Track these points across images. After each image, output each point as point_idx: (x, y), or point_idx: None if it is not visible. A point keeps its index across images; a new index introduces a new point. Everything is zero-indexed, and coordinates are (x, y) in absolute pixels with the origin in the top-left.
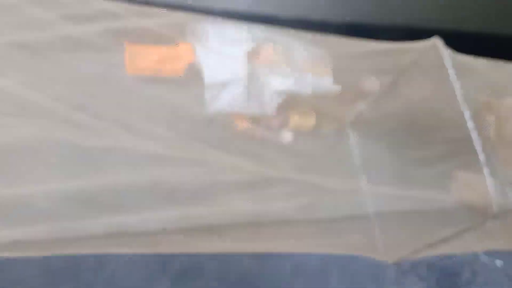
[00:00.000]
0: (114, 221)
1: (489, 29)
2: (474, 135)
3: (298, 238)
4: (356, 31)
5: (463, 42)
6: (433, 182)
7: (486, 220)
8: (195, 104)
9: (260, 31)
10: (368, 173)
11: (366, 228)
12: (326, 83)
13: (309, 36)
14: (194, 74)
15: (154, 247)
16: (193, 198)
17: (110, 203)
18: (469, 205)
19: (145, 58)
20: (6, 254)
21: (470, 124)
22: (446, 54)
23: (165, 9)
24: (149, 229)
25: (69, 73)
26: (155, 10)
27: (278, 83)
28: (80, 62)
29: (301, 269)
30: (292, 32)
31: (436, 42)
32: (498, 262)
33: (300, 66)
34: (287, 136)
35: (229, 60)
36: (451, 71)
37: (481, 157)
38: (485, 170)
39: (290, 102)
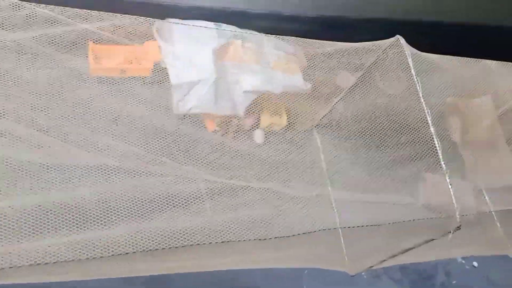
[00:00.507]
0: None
1: (471, 19)
2: (436, 140)
3: (260, 252)
4: (329, 26)
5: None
6: (401, 186)
7: (448, 233)
8: (163, 105)
9: (228, 28)
10: (334, 179)
11: (332, 239)
12: (297, 81)
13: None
14: (161, 74)
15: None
16: (148, 212)
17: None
18: (436, 209)
19: (110, 59)
20: None
21: (431, 129)
22: (408, 52)
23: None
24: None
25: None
26: (95, 13)
27: (248, 82)
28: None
29: (274, 272)
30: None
31: (399, 39)
32: (475, 263)
33: (270, 64)
34: (258, 137)
35: (196, 59)
36: (413, 70)
37: (443, 164)
38: (447, 179)
39: (261, 102)
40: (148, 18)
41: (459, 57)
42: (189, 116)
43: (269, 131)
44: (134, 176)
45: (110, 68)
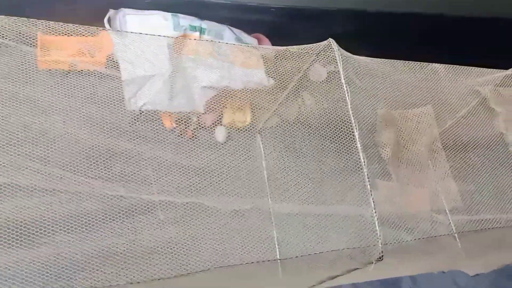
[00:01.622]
0: None
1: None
2: (362, 156)
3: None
4: (295, 16)
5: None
6: (351, 196)
7: (371, 263)
8: (117, 102)
9: (185, 19)
10: (274, 189)
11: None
12: (258, 76)
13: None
14: (116, 68)
15: None
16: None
17: None
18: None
19: (61, 50)
20: None
21: (358, 144)
22: (339, 57)
23: None
24: None
25: None
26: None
27: (206, 77)
28: None
29: None
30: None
31: (331, 43)
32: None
33: (229, 57)
34: (220, 134)
35: (149, 52)
36: (342, 79)
37: (367, 183)
38: (371, 200)
39: (223, 97)
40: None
41: (403, 61)
42: (145, 112)
43: (233, 128)
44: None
45: (59, 60)
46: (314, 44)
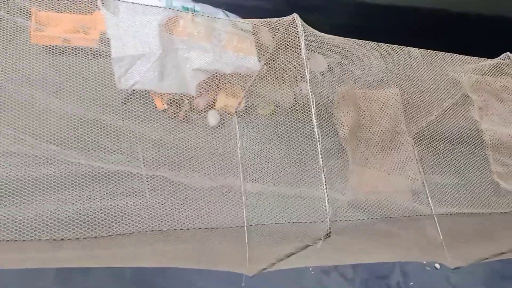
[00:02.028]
0: None
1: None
2: (317, 133)
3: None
4: (295, 4)
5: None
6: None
7: (320, 240)
8: (109, 80)
9: (178, 0)
10: (247, 168)
11: (237, 240)
12: (249, 62)
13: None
14: (108, 45)
15: None
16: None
17: None
18: (362, 206)
19: (55, 27)
20: None
21: (314, 120)
22: (302, 33)
23: None
24: None
25: None
26: None
27: (198, 59)
28: None
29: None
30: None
31: (295, 18)
32: (437, 265)
33: (221, 42)
34: (212, 118)
35: (140, 31)
36: (303, 54)
37: (321, 161)
38: (323, 177)
39: (216, 81)
40: None
41: (375, 43)
42: (138, 92)
43: (225, 113)
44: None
45: (52, 36)
46: (279, 19)
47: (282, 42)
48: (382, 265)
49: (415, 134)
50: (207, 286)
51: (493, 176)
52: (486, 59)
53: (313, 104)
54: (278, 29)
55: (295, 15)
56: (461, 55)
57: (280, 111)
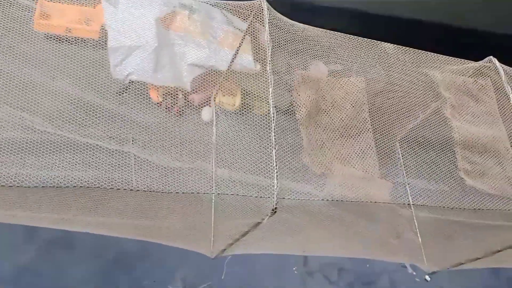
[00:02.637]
0: None
1: None
2: (272, 113)
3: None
4: (295, 8)
5: None
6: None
7: (267, 216)
8: (105, 69)
9: None
10: (221, 154)
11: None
12: (244, 60)
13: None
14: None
15: None
16: None
17: None
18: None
19: (59, 17)
20: None
21: (270, 101)
22: (267, 17)
23: None
24: None
25: None
26: None
27: (193, 55)
28: None
29: (188, 256)
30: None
31: (261, 2)
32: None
33: (217, 39)
34: (206, 114)
35: (137, 24)
36: (267, 35)
37: (273, 139)
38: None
39: (213, 78)
40: None
41: (349, 35)
42: (135, 83)
43: (221, 109)
44: None
45: (55, 25)
46: (245, 2)
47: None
48: (368, 270)
49: (401, 138)
50: (188, 274)
51: (459, 172)
52: (470, 61)
53: (271, 85)
54: (248, 14)
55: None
56: (443, 56)
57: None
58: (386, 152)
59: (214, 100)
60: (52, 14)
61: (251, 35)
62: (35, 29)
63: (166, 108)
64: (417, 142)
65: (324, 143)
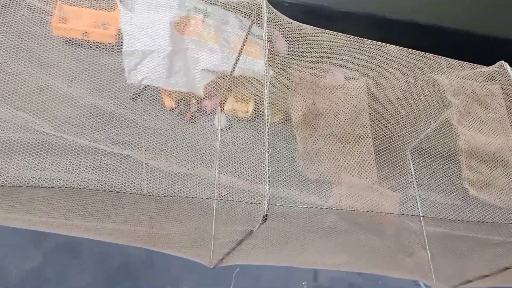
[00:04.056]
0: None
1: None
2: (267, 116)
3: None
4: (310, 13)
5: None
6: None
7: (258, 224)
8: (120, 74)
9: (192, 0)
10: (225, 161)
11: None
12: (257, 66)
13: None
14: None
15: None
16: None
17: None
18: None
19: (77, 20)
20: None
21: (265, 102)
22: (265, 15)
23: None
24: None
25: None
26: None
27: (207, 60)
28: None
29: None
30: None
31: (261, 0)
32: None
33: (230, 44)
34: (220, 120)
35: (151, 28)
36: (265, 34)
37: (266, 143)
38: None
39: (226, 83)
40: None
41: (354, 37)
42: (148, 89)
43: (234, 117)
44: None
45: (72, 29)
46: (245, 0)
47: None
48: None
49: (413, 148)
50: (194, 283)
51: (463, 182)
52: (480, 65)
53: (267, 86)
54: (248, 13)
55: None
56: (452, 59)
57: (289, 120)
58: (396, 162)
59: (222, 107)
60: (69, 17)
61: (269, 42)
62: (54, 34)
63: (179, 114)
64: (428, 152)
65: (320, 148)
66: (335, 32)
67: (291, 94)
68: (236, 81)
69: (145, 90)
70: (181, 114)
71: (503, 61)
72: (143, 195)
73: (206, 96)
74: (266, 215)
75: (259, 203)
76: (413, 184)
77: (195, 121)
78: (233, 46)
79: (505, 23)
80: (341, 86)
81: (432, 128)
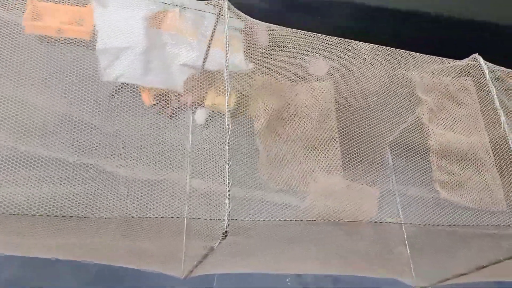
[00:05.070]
0: None
1: None
2: (227, 122)
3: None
4: (293, 5)
5: None
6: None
7: (218, 241)
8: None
9: None
10: (197, 163)
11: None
12: (236, 60)
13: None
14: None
15: None
16: None
17: None
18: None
19: (52, 17)
20: None
21: (226, 109)
22: (226, 15)
23: None
24: None
25: None
26: None
27: (185, 55)
28: None
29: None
30: None
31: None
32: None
33: (209, 38)
34: (200, 116)
35: (127, 23)
36: (226, 34)
37: (227, 154)
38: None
39: (206, 78)
40: None
41: (320, 35)
42: (127, 85)
43: (216, 112)
44: None
45: (46, 26)
46: (207, 1)
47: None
48: (365, 280)
49: (391, 142)
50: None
51: (434, 184)
52: (453, 60)
53: (227, 93)
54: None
55: None
56: (425, 55)
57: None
58: (374, 158)
59: (203, 102)
60: (44, 14)
61: (245, 34)
62: (27, 32)
63: (159, 111)
64: (408, 146)
65: (285, 156)
66: (304, 31)
67: (252, 100)
68: (216, 76)
69: (124, 86)
70: (161, 111)
71: (476, 54)
72: (105, 218)
73: (185, 91)
74: (226, 231)
75: (219, 219)
76: (392, 179)
77: (175, 117)
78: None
79: (490, 8)
80: (307, 89)
81: (408, 122)
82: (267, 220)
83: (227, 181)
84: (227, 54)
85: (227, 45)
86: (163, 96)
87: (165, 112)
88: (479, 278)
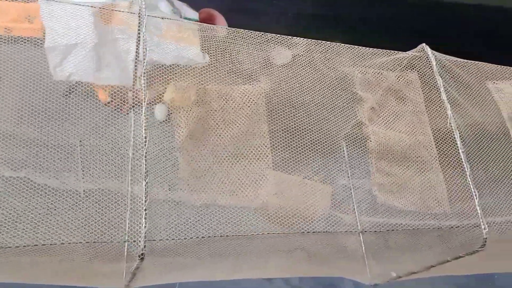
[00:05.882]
0: None
1: None
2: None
3: None
4: None
5: None
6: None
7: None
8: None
9: None
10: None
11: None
12: (191, 53)
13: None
14: None
15: None
16: None
17: None
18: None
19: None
20: None
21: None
22: (144, 14)
23: None
24: None
25: None
26: None
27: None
28: None
29: None
30: None
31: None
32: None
33: (161, 32)
34: (159, 112)
35: (73, 20)
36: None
37: (143, 165)
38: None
39: (163, 73)
40: None
41: (253, 32)
42: (81, 84)
43: (174, 107)
44: None
45: None
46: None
47: None
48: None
49: (346, 134)
50: None
51: (372, 188)
52: (399, 52)
53: (144, 101)
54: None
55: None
56: (368, 48)
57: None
58: (328, 152)
59: (161, 97)
60: None
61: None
62: None
63: (116, 108)
64: (362, 139)
65: (210, 167)
66: (233, 29)
67: (174, 109)
68: (173, 70)
69: (78, 85)
70: (118, 108)
71: (424, 44)
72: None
73: (143, 88)
74: (143, 254)
75: (134, 241)
76: (347, 173)
77: (134, 114)
78: (163, 34)
79: None
80: (235, 93)
81: (357, 119)
82: (189, 238)
83: (144, 199)
84: (144, 51)
85: (144, 44)
86: (119, 93)
87: (122, 109)
88: (432, 274)
